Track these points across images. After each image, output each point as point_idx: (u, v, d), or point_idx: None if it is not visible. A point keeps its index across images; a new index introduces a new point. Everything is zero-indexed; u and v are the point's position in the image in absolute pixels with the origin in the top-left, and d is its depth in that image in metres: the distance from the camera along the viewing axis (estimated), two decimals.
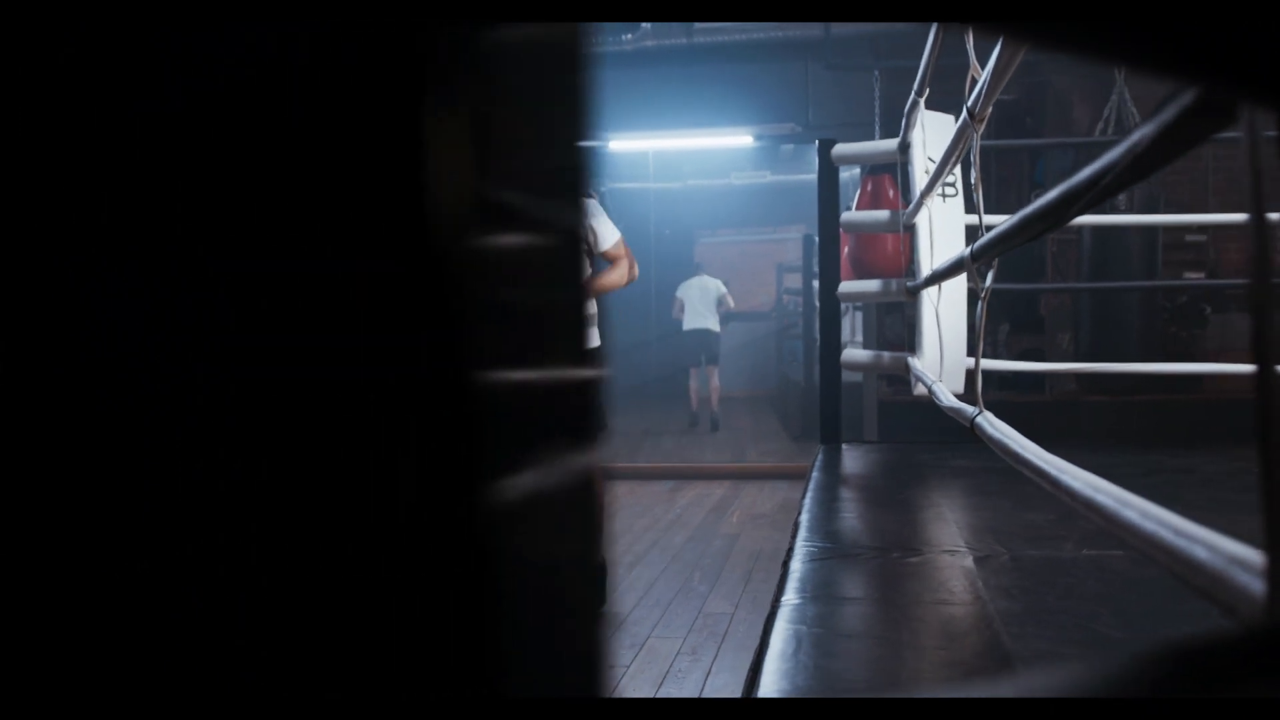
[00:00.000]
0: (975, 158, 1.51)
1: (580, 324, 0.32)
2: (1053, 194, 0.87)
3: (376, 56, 0.26)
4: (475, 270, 0.26)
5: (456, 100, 0.26)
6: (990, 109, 1.50)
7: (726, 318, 9.86)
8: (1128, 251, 5.99)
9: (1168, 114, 0.57)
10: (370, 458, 0.27)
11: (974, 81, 1.53)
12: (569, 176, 0.30)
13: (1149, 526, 0.65)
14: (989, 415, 1.51)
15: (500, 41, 0.27)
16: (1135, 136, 0.64)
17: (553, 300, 0.30)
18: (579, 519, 0.33)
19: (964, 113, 1.55)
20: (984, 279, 1.53)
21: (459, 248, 0.26)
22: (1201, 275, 6.87)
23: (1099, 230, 5.75)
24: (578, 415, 0.32)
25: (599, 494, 0.29)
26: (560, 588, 0.32)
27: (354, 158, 0.27)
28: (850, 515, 2.51)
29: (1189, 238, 6.93)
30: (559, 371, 0.31)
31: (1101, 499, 0.75)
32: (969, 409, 1.64)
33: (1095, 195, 0.74)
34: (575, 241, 0.30)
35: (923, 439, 4.76)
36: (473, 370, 0.26)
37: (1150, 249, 6.06)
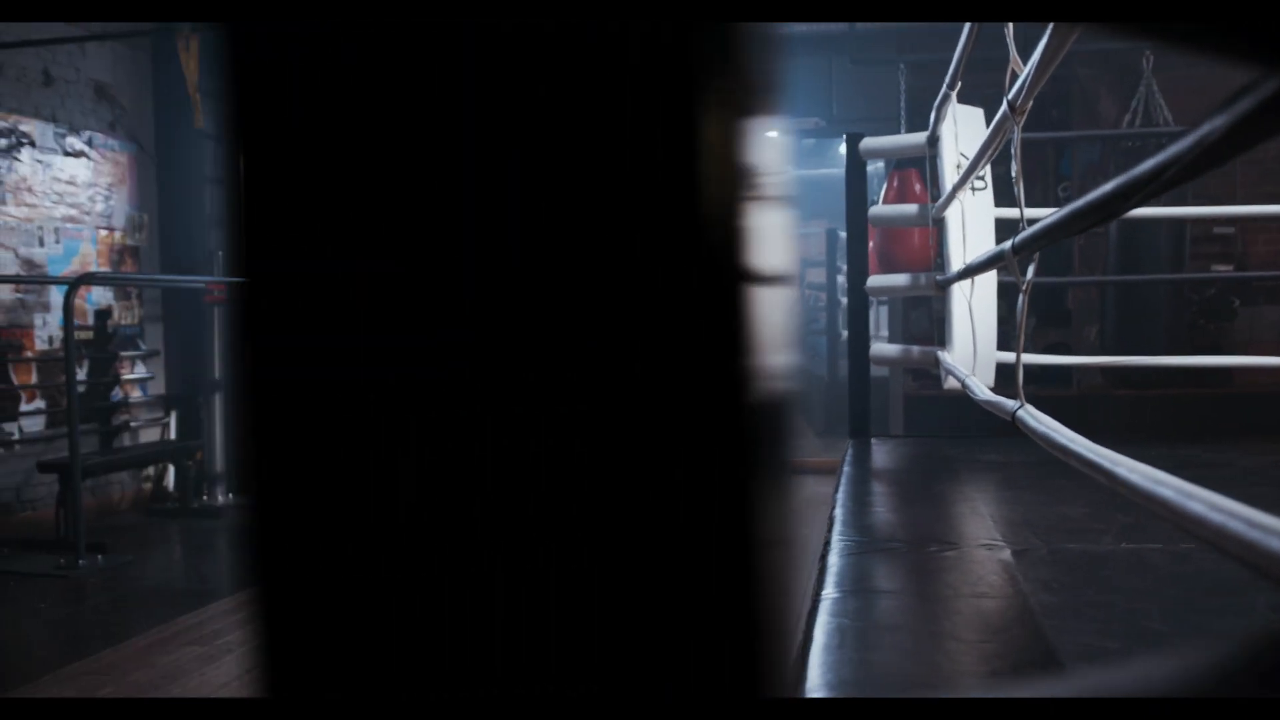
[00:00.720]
0: (1016, 151, 1.50)
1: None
2: (1109, 186, 0.86)
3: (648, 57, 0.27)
4: (738, 256, 0.27)
5: (717, 97, 0.27)
6: (1030, 103, 1.49)
7: None
8: (1155, 244, 5.94)
9: (1244, 104, 0.57)
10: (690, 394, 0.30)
11: (1014, 75, 1.53)
12: (772, 168, 0.31)
13: (1218, 518, 0.65)
14: (1031, 408, 1.51)
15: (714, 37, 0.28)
16: (1205, 128, 0.63)
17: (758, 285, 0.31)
18: (776, 432, 0.34)
19: (1004, 105, 1.55)
20: (1025, 272, 1.53)
21: (730, 237, 0.27)
22: (1229, 268, 6.81)
23: (1126, 223, 5.70)
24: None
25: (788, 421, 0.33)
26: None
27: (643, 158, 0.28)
28: (884, 509, 2.51)
29: (1217, 230, 6.87)
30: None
31: (1164, 491, 0.75)
32: (1009, 403, 1.63)
33: (1156, 188, 0.74)
34: (777, 230, 0.31)
35: (949, 433, 4.74)
36: (738, 343, 0.28)
37: (1178, 242, 6.02)
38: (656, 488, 0.30)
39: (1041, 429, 1.34)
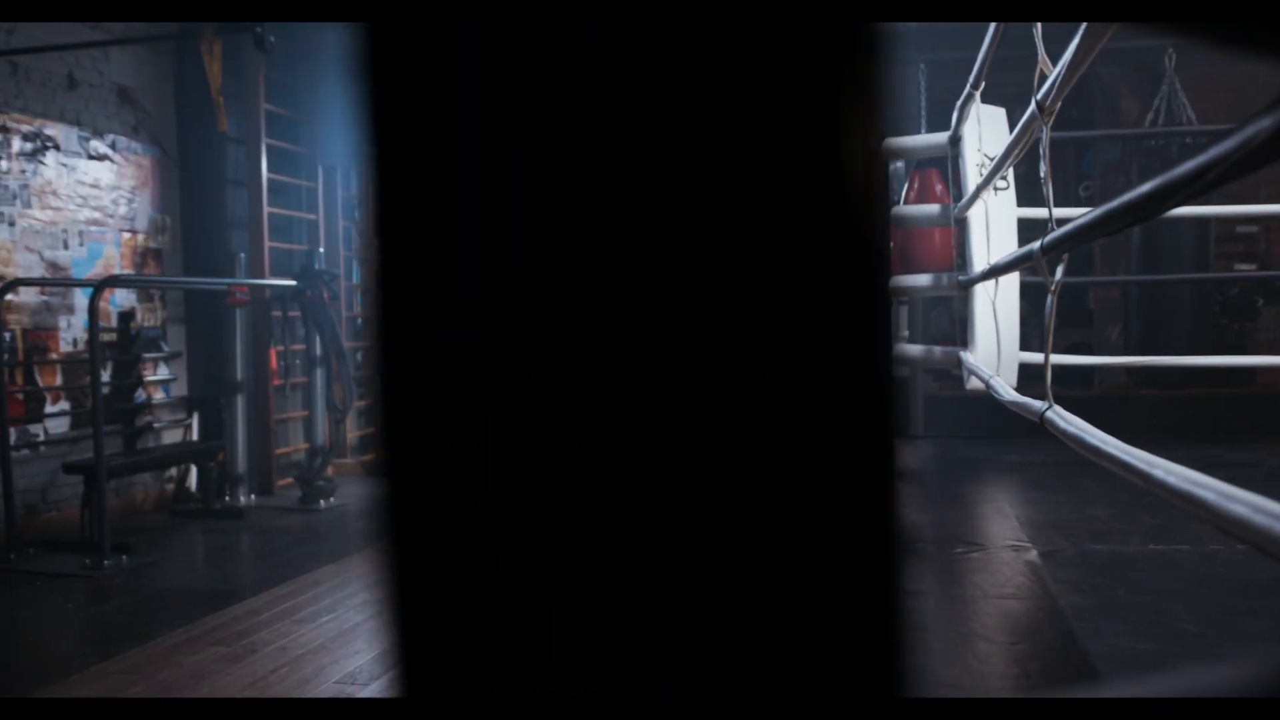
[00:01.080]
0: (1045, 151, 1.50)
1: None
2: (1146, 187, 0.86)
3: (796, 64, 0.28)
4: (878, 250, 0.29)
5: (860, 99, 0.28)
6: (1059, 103, 1.49)
7: None
8: (1178, 244, 5.91)
9: None
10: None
11: (1043, 75, 1.52)
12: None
13: (1263, 521, 0.64)
14: (1059, 409, 1.50)
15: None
16: (1250, 129, 0.63)
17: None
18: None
19: (1032, 105, 1.54)
20: (1053, 273, 1.52)
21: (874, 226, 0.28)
22: (1253, 267, 6.76)
23: (1148, 222, 5.67)
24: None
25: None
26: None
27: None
28: (907, 509, 2.51)
29: (1240, 229, 6.82)
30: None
31: (1204, 493, 0.75)
32: (1037, 403, 1.63)
33: (1197, 189, 0.74)
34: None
35: (969, 433, 4.71)
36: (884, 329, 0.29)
37: (1201, 241, 5.98)
38: (657, 487, 0.30)
39: (1072, 430, 1.33)
